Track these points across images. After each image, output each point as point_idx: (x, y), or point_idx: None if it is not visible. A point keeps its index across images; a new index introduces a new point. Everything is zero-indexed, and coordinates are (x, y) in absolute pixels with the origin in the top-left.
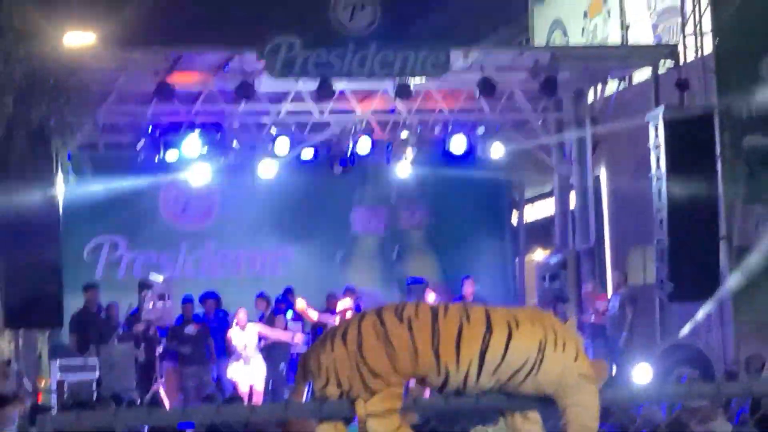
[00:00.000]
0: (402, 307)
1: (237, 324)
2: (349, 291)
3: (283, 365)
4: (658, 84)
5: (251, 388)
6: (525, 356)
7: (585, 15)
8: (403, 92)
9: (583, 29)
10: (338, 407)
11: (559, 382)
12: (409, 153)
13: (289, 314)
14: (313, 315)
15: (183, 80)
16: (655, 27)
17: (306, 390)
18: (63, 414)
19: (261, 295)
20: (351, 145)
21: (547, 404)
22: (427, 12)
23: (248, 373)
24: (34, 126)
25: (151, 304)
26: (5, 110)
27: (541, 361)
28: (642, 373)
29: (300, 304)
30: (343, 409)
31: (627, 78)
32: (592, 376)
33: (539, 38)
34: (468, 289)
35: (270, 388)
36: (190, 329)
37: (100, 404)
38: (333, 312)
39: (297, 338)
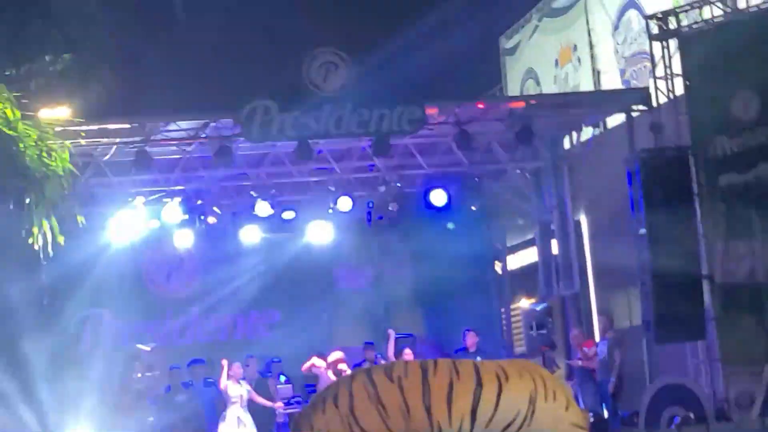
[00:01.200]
0: (391, 367)
1: (231, 377)
2: (368, 345)
3: (274, 428)
4: (632, 128)
5: None
6: (516, 409)
7: (556, 63)
8: (380, 149)
9: (554, 77)
10: None
11: None
12: (391, 208)
13: (282, 379)
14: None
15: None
16: (622, 72)
17: None
18: None
19: (250, 357)
20: (332, 205)
21: None
22: (400, 68)
23: (240, 429)
24: (10, 204)
25: (139, 375)
26: None
27: (533, 412)
28: None
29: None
30: None
31: (601, 123)
32: (584, 424)
33: (513, 88)
34: (470, 340)
35: None
36: (180, 397)
37: None
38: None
39: (278, 405)
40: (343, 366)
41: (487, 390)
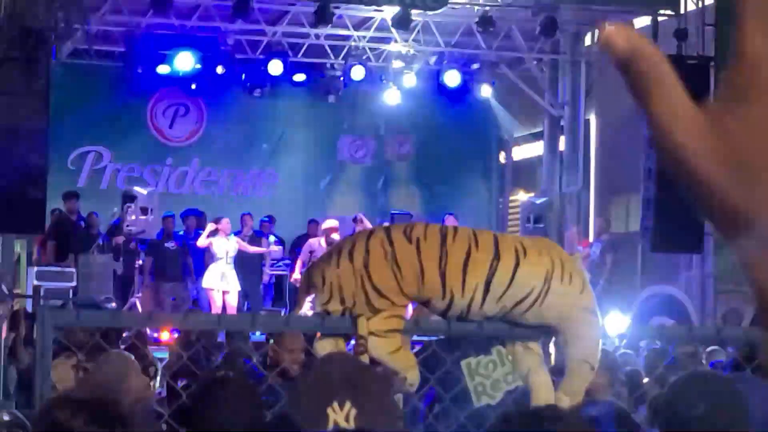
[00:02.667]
0: (411, 228)
1: (219, 232)
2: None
3: (261, 287)
4: (656, 32)
5: (224, 300)
6: (531, 285)
7: None
8: (402, 22)
9: None
10: (340, 323)
11: (562, 314)
12: (403, 83)
13: (272, 239)
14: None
15: None
16: None
17: (307, 304)
18: (64, 310)
19: (247, 214)
20: (344, 72)
21: (549, 335)
22: None
23: (223, 284)
24: (22, 28)
25: (133, 217)
26: None
27: (547, 291)
28: (615, 323)
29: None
30: (344, 326)
31: (626, 23)
32: (596, 309)
33: None
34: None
35: (246, 308)
36: (170, 244)
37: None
38: (313, 236)
39: (274, 251)
40: (335, 236)
41: (504, 263)
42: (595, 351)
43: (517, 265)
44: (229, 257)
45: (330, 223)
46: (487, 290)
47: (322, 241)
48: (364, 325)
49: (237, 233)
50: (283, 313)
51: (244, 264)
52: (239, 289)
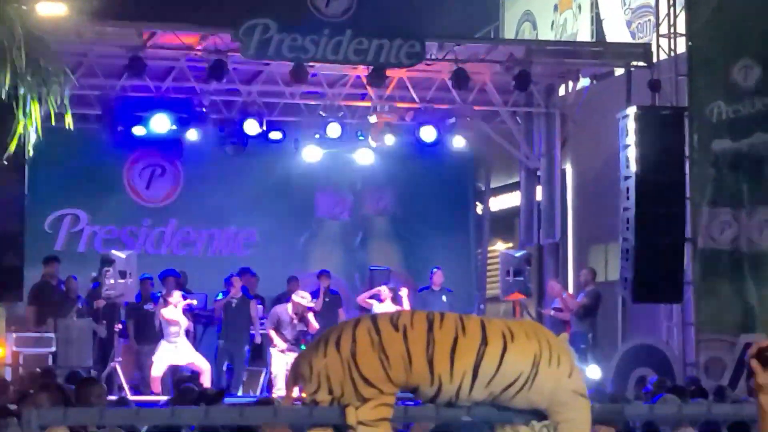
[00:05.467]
0: (397, 315)
1: (171, 304)
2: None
3: (246, 349)
4: (630, 82)
5: (199, 368)
6: (519, 370)
7: (555, 8)
8: (376, 79)
9: (552, 23)
10: (329, 413)
11: (552, 398)
12: (386, 140)
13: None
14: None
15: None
16: (629, 24)
17: (294, 394)
18: (50, 410)
19: (236, 276)
20: (319, 129)
21: (539, 418)
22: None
23: (179, 354)
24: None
25: (112, 281)
26: None
27: (535, 375)
28: (592, 373)
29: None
30: (333, 416)
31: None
32: (585, 392)
33: (509, 29)
34: (437, 279)
35: (227, 367)
36: (149, 307)
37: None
38: (288, 300)
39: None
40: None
41: (492, 348)
42: None
43: (504, 350)
44: (182, 328)
45: (302, 297)
46: (475, 376)
47: (289, 308)
48: (353, 414)
49: (225, 293)
50: (263, 373)
51: (232, 324)
52: (195, 351)
